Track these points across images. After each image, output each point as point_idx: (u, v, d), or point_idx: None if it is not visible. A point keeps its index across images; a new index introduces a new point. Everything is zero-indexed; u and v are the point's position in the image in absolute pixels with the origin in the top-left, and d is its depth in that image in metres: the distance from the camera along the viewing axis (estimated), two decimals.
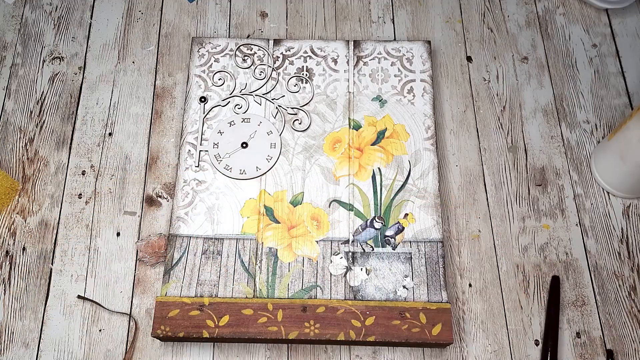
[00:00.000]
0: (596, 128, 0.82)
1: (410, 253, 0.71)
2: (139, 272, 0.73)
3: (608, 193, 0.78)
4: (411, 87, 0.80)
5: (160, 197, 0.77)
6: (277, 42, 0.83)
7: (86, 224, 0.76)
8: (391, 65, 0.81)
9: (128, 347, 0.70)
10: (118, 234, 0.76)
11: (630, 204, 0.78)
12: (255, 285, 0.69)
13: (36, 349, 0.70)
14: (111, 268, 0.74)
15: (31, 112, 0.83)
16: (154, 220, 0.76)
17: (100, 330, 0.71)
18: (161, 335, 0.66)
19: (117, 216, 0.77)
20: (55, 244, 0.75)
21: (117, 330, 0.71)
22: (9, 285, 0.73)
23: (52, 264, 0.74)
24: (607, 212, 0.77)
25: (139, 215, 0.77)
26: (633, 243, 0.76)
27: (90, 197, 0.78)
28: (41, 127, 0.82)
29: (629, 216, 0.77)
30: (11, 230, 0.75)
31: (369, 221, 0.72)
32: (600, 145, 0.79)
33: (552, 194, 0.78)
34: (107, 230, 0.76)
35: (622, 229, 0.76)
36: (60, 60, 0.86)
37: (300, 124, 0.77)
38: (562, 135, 0.82)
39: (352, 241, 0.71)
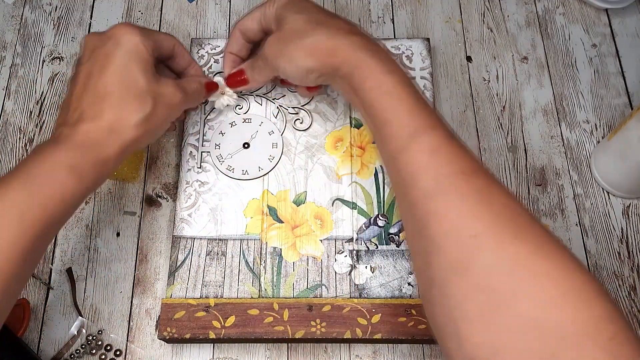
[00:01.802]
0: (596, 128, 0.82)
1: None
2: (139, 272, 0.73)
3: (608, 193, 0.78)
4: None
5: (160, 197, 0.77)
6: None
7: (86, 224, 0.76)
8: None
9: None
10: (118, 234, 0.75)
11: (630, 204, 0.78)
12: (260, 285, 0.69)
13: (36, 348, 0.70)
14: (111, 268, 0.74)
15: (31, 112, 0.82)
16: (154, 220, 0.76)
17: (100, 332, 0.71)
18: (167, 337, 0.66)
19: (117, 216, 0.76)
20: (55, 244, 0.75)
21: (116, 330, 0.71)
22: None
23: (52, 264, 0.74)
24: (607, 212, 0.78)
25: (139, 215, 0.76)
26: (633, 243, 0.76)
27: (90, 197, 0.77)
28: (41, 127, 0.81)
29: (629, 216, 0.77)
30: None
31: (372, 219, 0.72)
32: (600, 145, 0.79)
33: (552, 193, 0.78)
34: (107, 230, 0.76)
35: (622, 229, 0.77)
36: (60, 60, 0.86)
37: (301, 123, 0.77)
38: (562, 135, 0.82)
39: (356, 239, 0.71)
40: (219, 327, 0.66)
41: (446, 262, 0.47)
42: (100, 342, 0.70)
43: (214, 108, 0.77)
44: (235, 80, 0.73)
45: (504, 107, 0.83)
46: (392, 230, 0.72)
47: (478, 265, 0.45)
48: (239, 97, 0.77)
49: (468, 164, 0.50)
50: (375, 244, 0.71)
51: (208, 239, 0.71)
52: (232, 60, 0.74)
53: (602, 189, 0.79)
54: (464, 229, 0.47)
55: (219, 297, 0.68)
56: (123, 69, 0.59)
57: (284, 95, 0.79)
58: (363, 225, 0.72)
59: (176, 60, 0.71)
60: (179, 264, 0.70)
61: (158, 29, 0.88)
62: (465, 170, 0.50)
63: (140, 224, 0.76)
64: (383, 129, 0.55)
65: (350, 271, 0.70)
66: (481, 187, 0.49)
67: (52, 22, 0.89)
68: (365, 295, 0.68)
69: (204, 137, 0.76)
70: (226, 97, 0.76)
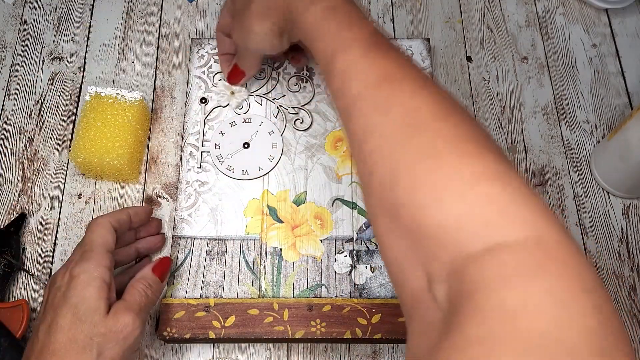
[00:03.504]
0: (596, 128, 0.82)
1: None
2: None
3: (608, 193, 0.78)
4: None
5: (160, 197, 0.77)
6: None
7: (86, 224, 0.75)
8: None
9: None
10: None
11: (630, 204, 0.78)
12: (260, 285, 0.69)
13: None
14: None
15: (31, 112, 0.82)
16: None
17: None
18: (167, 337, 0.66)
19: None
20: (55, 244, 0.75)
21: None
22: (10, 286, 0.72)
23: (52, 264, 0.74)
24: (607, 212, 0.78)
25: None
26: (633, 243, 0.76)
27: (90, 197, 0.77)
28: (41, 127, 0.81)
29: (629, 216, 0.77)
30: None
31: None
32: (600, 145, 0.79)
33: (552, 194, 0.78)
34: None
35: (622, 229, 0.77)
36: (60, 60, 0.86)
37: (301, 123, 0.77)
38: (562, 135, 0.82)
39: (356, 239, 0.71)
40: (219, 327, 0.66)
41: (360, 178, 0.49)
42: None
43: (214, 108, 0.77)
44: (234, 77, 0.77)
45: (504, 107, 0.83)
46: None
47: (377, 182, 0.45)
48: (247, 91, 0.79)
49: (374, 75, 0.49)
50: (376, 244, 0.71)
51: (208, 239, 0.71)
52: (226, 60, 0.78)
53: (602, 189, 0.79)
54: (365, 144, 0.47)
55: (219, 297, 0.68)
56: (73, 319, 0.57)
57: (284, 95, 0.79)
58: (363, 225, 0.72)
59: (135, 222, 0.69)
60: (179, 263, 0.70)
61: (158, 29, 0.88)
62: (372, 82, 0.49)
63: None
64: (316, 57, 0.56)
65: (350, 271, 0.70)
66: (387, 96, 0.47)
67: (52, 22, 0.89)
68: (365, 295, 0.68)
69: (204, 137, 0.76)
70: (237, 95, 0.78)
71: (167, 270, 0.66)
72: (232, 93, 0.78)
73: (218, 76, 0.80)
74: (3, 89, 0.84)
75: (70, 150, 0.76)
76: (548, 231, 0.37)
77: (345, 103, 0.50)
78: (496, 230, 0.38)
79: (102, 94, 0.76)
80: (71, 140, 0.80)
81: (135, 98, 0.77)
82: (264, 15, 0.63)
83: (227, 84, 0.78)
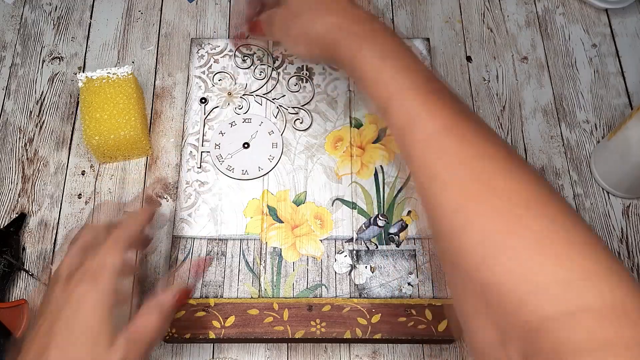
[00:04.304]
0: (596, 128, 0.82)
1: (414, 250, 0.71)
2: (139, 272, 0.73)
3: (608, 193, 0.78)
4: None
5: (160, 197, 0.77)
6: (276, 41, 0.82)
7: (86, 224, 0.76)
8: None
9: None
10: None
11: (630, 204, 0.78)
12: (260, 285, 0.69)
13: None
14: None
15: (31, 112, 0.82)
16: (153, 220, 0.76)
17: None
18: (167, 337, 0.66)
19: (117, 216, 0.76)
20: (55, 244, 0.75)
21: None
22: (9, 286, 0.72)
23: (52, 264, 0.74)
24: (606, 212, 0.78)
25: None
26: (633, 243, 0.76)
27: (90, 197, 0.77)
28: (41, 127, 0.81)
29: (628, 216, 0.77)
30: None
31: (372, 219, 0.72)
32: (600, 145, 0.79)
33: None
34: None
35: (621, 229, 0.77)
36: (60, 60, 0.86)
37: (301, 123, 0.77)
38: (561, 135, 0.82)
39: (356, 239, 0.71)
40: (219, 327, 0.66)
41: (427, 219, 0.49)
42: None
43: (214, 108, 0.77)
44: (254, 30, 0.75)
45: (504, 107, 0.83)
46: (392, 230, 0.72)
47: (445, 233, 0.46)
48: (241, 97, 0.79)
49: (437, 125, 0.49)
50: (375, 244, 0.71)
51: (208, 239, 0.71)
52: (253, 5, 0.75)
53: (602, 189, 0.79)
54: (429, 192, 0.48)
55: (218, 297, 0.68)
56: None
57: (284, 95, 0.79)
58: (363, 225, 0.72)
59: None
60: (178, 263, 0.70)
61: (158, 29, 0.88)
62: (435, 131, 0.49)
63: None
64: (371, 97, 0.55)
65: (350, 271, 0.70)
66: (450, 147, 0.48)
67: (52, 22, 0.89)
68: (365, 295, 0.68)
69: (204, 137, 0.76)
70: (234, 95, 0.79)
71: (186, 300, 0.64)
72: (230, 94, 0.78)
73: (218, 76, 0.80)
74: (3, 89, 0.84)
75: (83, 137, 0.75)
76: (630, 298, 0.38)
77: (407, 146, 0.50)
78: (577, 294, 0.38)
79: (94, 77, 0.77)
80: (72, 136, 0.80)
81: (127, 72, 0.77)
82: (313, 45, 0.61)
83: (227, 76, 0.78)
